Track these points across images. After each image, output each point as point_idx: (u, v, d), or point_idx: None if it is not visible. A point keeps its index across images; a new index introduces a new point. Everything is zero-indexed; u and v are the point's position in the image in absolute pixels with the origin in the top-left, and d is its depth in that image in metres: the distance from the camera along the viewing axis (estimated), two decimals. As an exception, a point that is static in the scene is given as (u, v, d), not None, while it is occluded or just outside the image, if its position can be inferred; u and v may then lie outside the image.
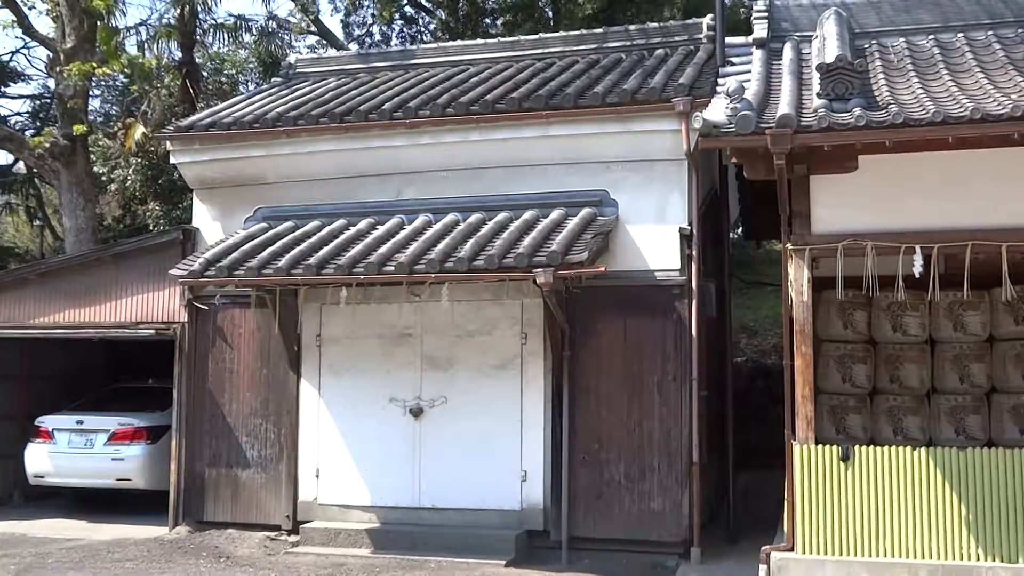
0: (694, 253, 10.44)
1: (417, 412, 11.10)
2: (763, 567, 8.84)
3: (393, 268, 9.81)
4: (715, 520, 11.73)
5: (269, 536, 11.26)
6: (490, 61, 13.68)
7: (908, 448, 8.90)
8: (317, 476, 11.36)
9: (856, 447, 8.95)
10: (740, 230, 16.11)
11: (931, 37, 11.27)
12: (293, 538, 11.13)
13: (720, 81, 10.47)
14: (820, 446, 8.94)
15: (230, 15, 28.08)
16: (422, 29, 23.06)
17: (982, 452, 8.74)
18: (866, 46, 11.31)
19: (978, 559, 8.50)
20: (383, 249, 10.21)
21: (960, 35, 11.22)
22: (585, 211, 10.65)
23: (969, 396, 11.25)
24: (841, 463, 8.84)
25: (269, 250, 10.57)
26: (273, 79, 15.19)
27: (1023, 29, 11.09)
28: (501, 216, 10.82)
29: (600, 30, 14.26)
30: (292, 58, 15.59)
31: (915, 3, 12.06)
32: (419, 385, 11.15)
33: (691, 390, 10.31)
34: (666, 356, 10.41)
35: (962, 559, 8.53)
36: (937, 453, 8.79)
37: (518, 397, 10.78)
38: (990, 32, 11.18)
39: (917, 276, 8.67)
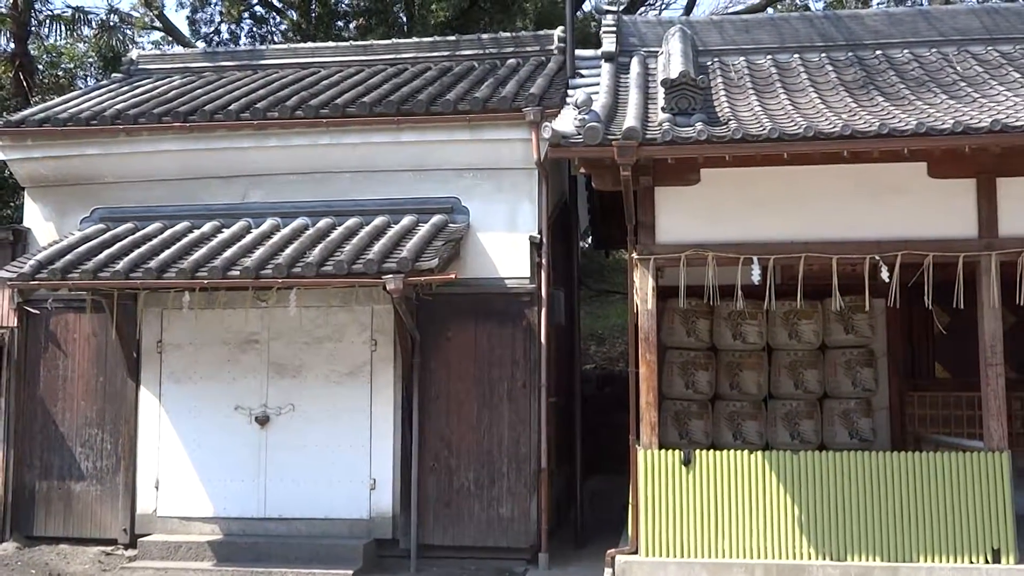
0: (544, 261, 10.57)
1: (263, 420, 10.84)
2: (608, 570, 9.01)
3: (239, 273, 9.56)
4: (564, 525, 11.88)
5: (105, 551, 10.78)
6: (342, 64, 13.52)
7: (745, 452, 9.23)
8: (157, 487, 10.95)
9: (697, 451, 9.23)
10: (590, 239, 16.38)
11: (769, 57, 11.77)
12: (130, 552, 10.69)
13: (570, 92, 10.65)
14: (663, 451, 9.19)
15: (68, 6, 26.87)
16: (272, 29, 22.59)
17: (814, 455, 9.14)
18: (709, 63, 11.71)
19: (810, 558, 8.89)
20: (228, 253, 9.95)
21: (796, 56, 11.75)
22: (436, 218, 10.65)
23: (803, 401, 11.80)
24: (683, 467, 9.10)
25: (106, 252, 10.14)
26: (113, 75, 14.57)
27: (852, 53, 11.69)
28: (351, 222, 10.70)
29: (453, 38, 14.29)
30: (134, 54, 15.00)
31: (755, 24, 12.59)
32: (265, 392, 10.89)
33: (540, 397, 10.43)
34: (516, 363, 10.49)
35: (796, 558, 8.91)
36: (772, 456, 9.15)
37: (367, 404, 10.68)
38: (823, 54, 11.75)
39: (756, 285, 9.01)
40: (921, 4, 24.71)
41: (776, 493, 9.03)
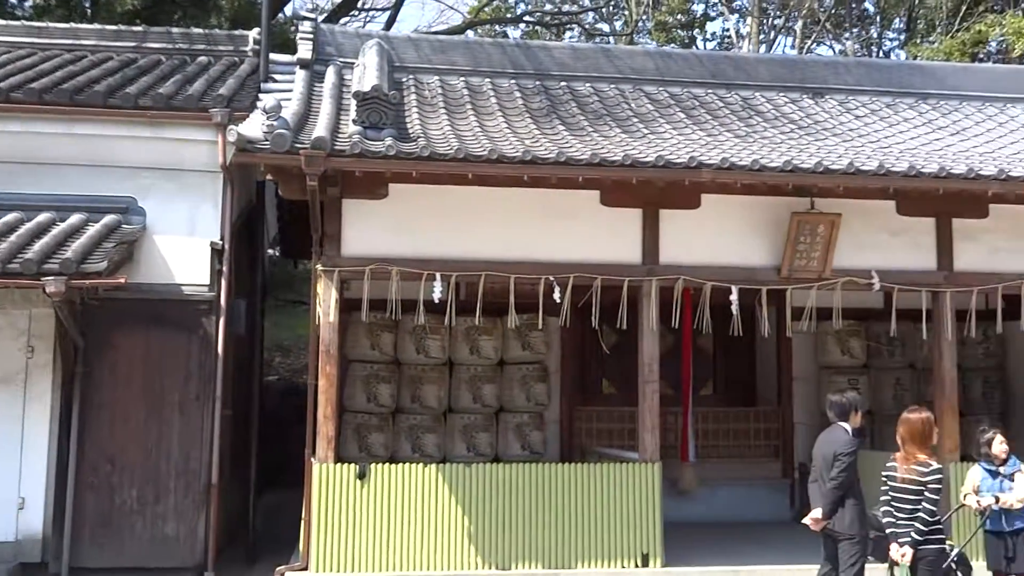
0: (225, 268, 10.18)
1: None
2: (277, 587, 8.82)
3: None
4: (236, 542, 11.49)
5: None
6: (11, 46, 12.41)
7: (421, 465, 9.36)
8: None
9: (373, 465, 9.24)
10: (279, 248, 16.03)
11: (462, 79, 12.09)
12: None
13: (261, 97, 10.37)
14: (339, 464, 9.12)
15: None
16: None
17: (486, 467, 9.42)
18: (404, 80, 11.85)
19: (478, 567, 9.14)
20: None
21: (488, 80, 12.15)
22: (109, 218, 9.98)
23: (480, 415, 12.15)
24: (358, 481, 9.07)
25: None
26: None
27: (540, 82, 12.24)
28: (10, 217, 9.79)
29: (140, 29, 13.53)
30: None
31: (450, 45, 12.90)
32: (-102, 402, 9.72)
33: (214, 409, 10.02)
34: (190, 374, 10.02)
35: (464, 568, 9.13)
36: (446, 469, 9.33)
37: (20, 415, 9.77)
38: (513, 81, 12.23)
39: (437, 301, 9.17)
40: (608, 42, 26.43)
41: (449, 505, 9.21)
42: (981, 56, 23.37)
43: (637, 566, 9.29)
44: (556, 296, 9.29)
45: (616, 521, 9.35)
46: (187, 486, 9.88)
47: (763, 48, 30.04)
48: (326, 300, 9.20)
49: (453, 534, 9.17)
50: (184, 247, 10.20)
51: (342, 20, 23.77)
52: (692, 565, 9.44)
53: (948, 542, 7.69)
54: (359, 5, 25.71)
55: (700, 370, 13.11)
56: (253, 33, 12.88)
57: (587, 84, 12.40)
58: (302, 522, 9.18)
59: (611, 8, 31.96)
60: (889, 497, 7.02)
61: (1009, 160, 10.30)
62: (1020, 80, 13.64)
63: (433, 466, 9.34)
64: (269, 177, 9.30)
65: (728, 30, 32.26)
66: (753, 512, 12.55)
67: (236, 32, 13.68)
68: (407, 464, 9.37)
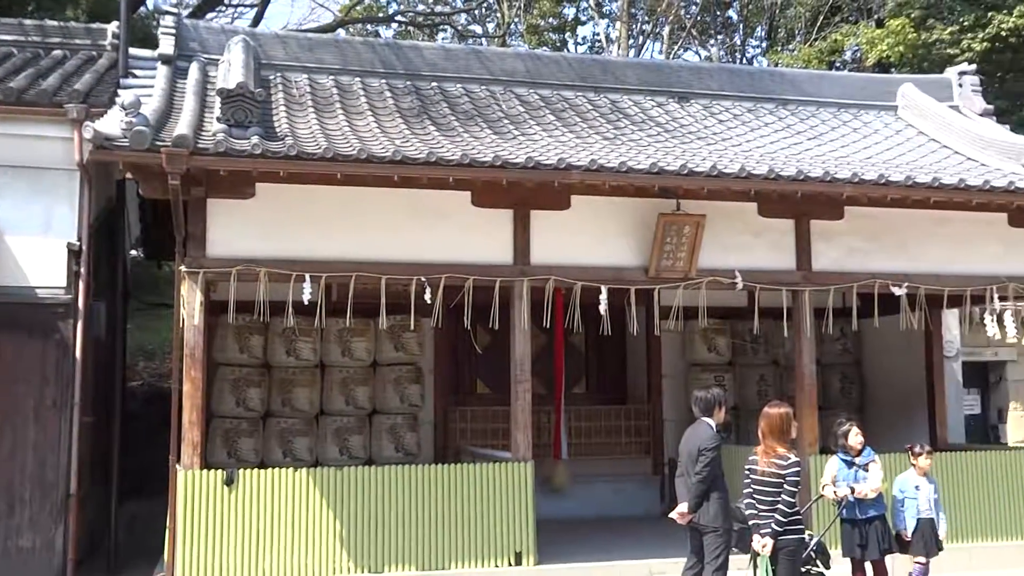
0: (83, 270, 9.79)
1: None
2: (141, 599, 8.53)
3: None
4: (98, 553, 11.07)
5: None
6: None
7: (291, 469, 9.18)
8: None
9: (242, 471, 9.02)
10: (142, 249, 15.49)
11: (332, 78, 11.93)
12: None
13: (120, 92, 10.01)
14: (205, 471, 8.87)
15: None
16: None
17: (358, 470, 9.31)
18: (272, 77, 11.62)
19: (350, 572, 9.03)
20: None
21: (358, 79, 12.02)
22: (-44, 217, 9.49)
23: (353, 417, 12.04)
24: (226, 487, 8.85)
25: None
26: None
27: (411, 82, 12.18)
28: None
29: (-10, 19, 12.89)
30: None
31: (319, 44, 12.73)
32: None
33: (72, 416, 9.62)
34: (46, 380, 9.59)
35: (336, 573, 9.00)
36: (317, 473, 9.18)
37: None
38: (384, 80, 12.13)
39: (306, 303, 9.02)
40: (481, 44, 26.52)
41: (321, 510, 9.07)
42: (837, 64, 24.39)
43: (511, 564, 9.33)
44: (427, 297, 9.25)
45: (489, 520, 9.38)
46: (44, 496, 9.47)
47: (632, 53, 30.64)
48: (190, 302, 8.94)
49: (325, 539, 9.04)
50: (39, 248, 9.77)
51: (207, 16, 23.17)
52: (565, 562, 9.54)
53: (808, 532, 8.00)
54: (225, 1, 25.11)
55: (572, 369, 13.29)
56: (112, 27, 12.38)
57: (458, 85, 12.41)
58: (167, 531, 8.90)
59: (483, 10, 32.11)
60: (751, 490, 7.24)
61: (862, 164, 10.76)
62: (873, 88, 14.27)
63: (304, 470, 9.18)
64: (129, 176, 8.96)
65: (598, 34, 32.82)
66: (625, 508, 12.79)
67: (94, 25, 13.13)
68: (277, 469, 9.19)
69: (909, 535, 8.57)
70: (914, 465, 8.76)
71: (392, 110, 11.11)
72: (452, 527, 9.30)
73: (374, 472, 9.33)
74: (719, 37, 32.31)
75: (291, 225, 9.32)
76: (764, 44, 31.51)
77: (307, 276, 9.04)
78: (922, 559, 8.58)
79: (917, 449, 8.87)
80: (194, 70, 10.97)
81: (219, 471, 8.95)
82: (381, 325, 9.58)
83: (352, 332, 11.94)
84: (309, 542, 9.00)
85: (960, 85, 13.94)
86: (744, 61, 30.91)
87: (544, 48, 30.21)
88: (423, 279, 9.34)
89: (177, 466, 8.86)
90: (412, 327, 11.34)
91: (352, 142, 9.16)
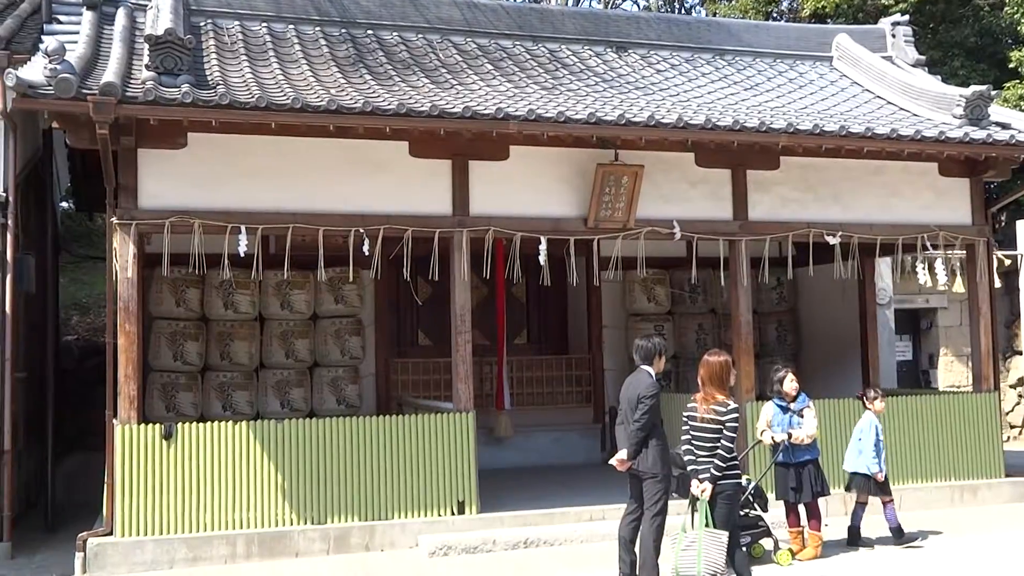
0: (10, 223, 9.54)
1: None
2: (79, 554, 8.43)
3: None
4: (34, 509, 10.94)
5: None
6: None
7: (230, 423, 9.11)
8: None
9: (180, 424, 8.93)
10: (73, 200, 15.15)
11: (265, 25, 11.65)
12: None
13: (44, 39, 9.68)
14: (142, 425, 8.77)
15: None
16: None
17: (299, 423, 9.26)
18: (202, 24, 11.33)
19: (292, 524, 9.03)
20: None
21: (292, 27, 11.76)
22: None
23: (294, 371, 11.96)
24: (164, 442, 8.76)
25: None
26: None
27: (346, 30, 11.95)
28: None
29: (-96, -39, 12.34)
30: None
31: (252, -11, 12.38)
32: None
33: (3, 372, 9.43)
34: (-25, 336, 9.39)
35: (278, 525, 8.99)
36: (257, 426, 9.12)
37: None
38: (318, 28, 11.89)
39: (242, 255, 8.89)
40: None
41: (262, 462, 9.03)
42: (774, 14, 24.43)
43: (453, 513, 9.40)
44: (366, 249, 9.18)
45: (432, 471, 9.41)
46: (-25, 455, 9.30)
47: (570, 1, 30.44)
48: (123, 255, 8.76)
49: (267, 491, 9.01)
50: (-37, 201, 9.49)
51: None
52: (507, 510, 9.63)
53: (745, 476, 8.16)
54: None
55: (513, 320, 13.34)
56: (35, -30, 11.98)
57: (394, 33, 12.20)
58: (105, 486, 8.80)
59: (421, -43, 31.53)
60: (690, 436, 7.35)
61: (797, 114, 10.85)
62: (808, 39, 14.35)
63: (244, 423, 9.11)
64: (56, 125, 8.72)
65: (538, -18, 32.47)
66: (566, 456, 12.94)
67: (16, -31, 12.68)
68: (216, 422, 9.10)
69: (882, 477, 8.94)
70: (869, 408, 9.08)
71: (327, 59, 10.92)
72: (395, 477, 9.33)
73: (315, 424, 9.30)
74: (658, -14, 32.19)
75: (225, 176, 9.15)
76: (703, -7, 31.46)
77: (242, 228, 8.92)
78: (888, 498, 9.04)
79: (872, 394, 9.21)
80: (121, 16, 10.64)
81: (157, 425, 8.86)
82: (320, 277, 9.51)
83: (291, 285, 11.82)
84: (251, 494, 8.97)
85: (893, 36, 14.05)
86: (682, 11, 30.83)
87: (483, -4, 29.81)
88: (361, 231, 9.26)
89: (114, 421, 8.74)
90: (352, 279, 11.30)
91: (286, 91, 8.99)
